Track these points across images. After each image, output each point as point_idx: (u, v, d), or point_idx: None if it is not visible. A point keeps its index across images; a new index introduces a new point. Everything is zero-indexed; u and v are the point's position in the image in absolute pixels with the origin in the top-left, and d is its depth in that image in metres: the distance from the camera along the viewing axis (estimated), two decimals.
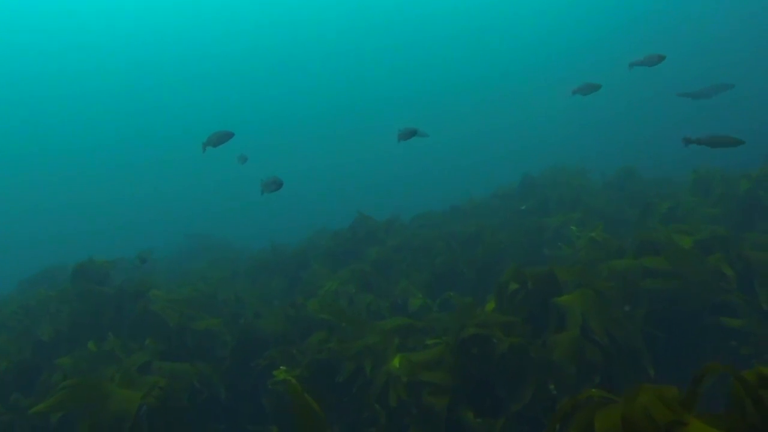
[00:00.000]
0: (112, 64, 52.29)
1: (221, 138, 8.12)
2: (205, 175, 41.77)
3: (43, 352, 7.14)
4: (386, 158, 40.15)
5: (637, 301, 5.26)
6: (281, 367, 5.69)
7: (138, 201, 41.41)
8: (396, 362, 4.97)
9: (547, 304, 4.93)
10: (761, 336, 4.83)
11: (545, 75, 46.05)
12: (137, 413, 5.07)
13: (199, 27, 54.27)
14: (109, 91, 52.69)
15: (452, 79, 52.89)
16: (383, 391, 4.86)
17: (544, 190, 12.53)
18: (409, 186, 32.61)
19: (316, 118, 53.32)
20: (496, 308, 5.26)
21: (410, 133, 7.72)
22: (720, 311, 5.17)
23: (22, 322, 8.57)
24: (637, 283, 5.38)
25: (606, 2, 44.97)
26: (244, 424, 5.91)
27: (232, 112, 53.72)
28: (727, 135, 6.32)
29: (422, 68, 54.82)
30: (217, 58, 55.28)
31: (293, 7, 53.22)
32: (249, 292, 9.28)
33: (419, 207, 14.34)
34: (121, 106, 52.99)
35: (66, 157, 49.77)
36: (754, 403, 2.56)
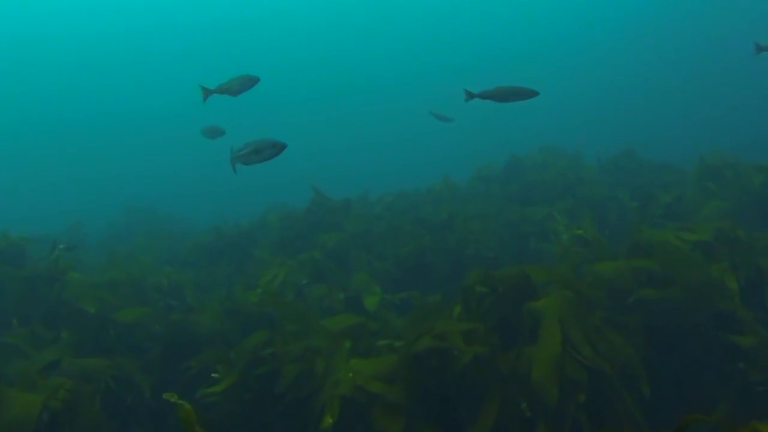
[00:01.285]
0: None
1: (244, 83, 7.67)
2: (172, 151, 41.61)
3: None
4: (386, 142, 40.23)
5: (629, 310, 5.10)
6: (214, 375, 5.52)
7: (77, 172, 40.75)
8: (346, 372, 4.75)
9: (520, 311, 4.75)
10: None
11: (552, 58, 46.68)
12: (38, 421, 4.83)
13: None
14: (54, 62, 52.86)
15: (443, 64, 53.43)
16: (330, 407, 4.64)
17: (531, 173, 12.37)
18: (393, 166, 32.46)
19: (299, 98, 53.56)
20: (462, 314, 5.08)
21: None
22: (727, 326, 5.00)
23: None
24: (628, 290, 5.22)
25: None
26: None
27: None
28: None
29: (413, 52, 55.70)
30: (184, 33, 55.74)
31: None
32: (186, 278, 9.00)
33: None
34: (67, 79, 52.92)
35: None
36: None
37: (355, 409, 4.50)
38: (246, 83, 7.57)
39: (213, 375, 5.51)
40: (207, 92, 7.62)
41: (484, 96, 6.46)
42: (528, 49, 50.84)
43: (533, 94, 6.40)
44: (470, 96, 6.50)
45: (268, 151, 6.25)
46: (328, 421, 4.39)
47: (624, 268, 5.48)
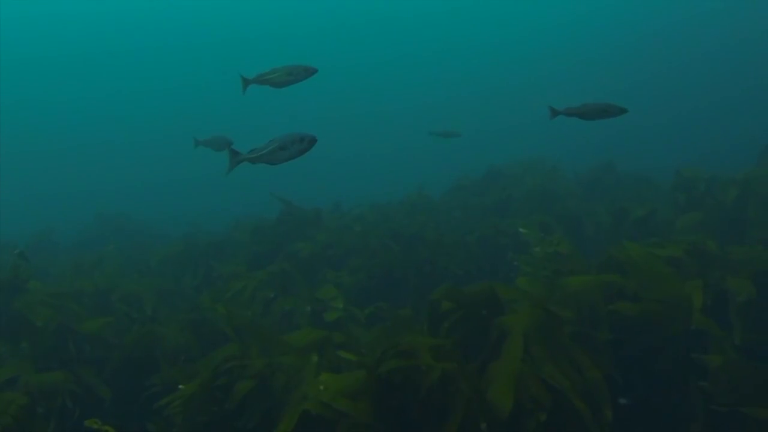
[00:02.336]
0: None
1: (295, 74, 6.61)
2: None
3: None
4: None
5: (598, 325, 5.06)
6: (180, 386, 5.40)
7: (54, 177, 40.37)
8: (314, 387, 4.65)
9: (487, 327, 4.69)
10: (739, 378, 4.61)
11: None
12: None
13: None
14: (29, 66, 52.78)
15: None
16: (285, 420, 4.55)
17: (509, 185, 12.37)
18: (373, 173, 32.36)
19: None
20: (429, 329, 5.02)
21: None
22: (696, 343, 4.96)
23: None
24: (598, 305, 5.18)
25: None
26: None
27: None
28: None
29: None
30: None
31: None
32: (153, 289, 8.88)
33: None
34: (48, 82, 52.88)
35: None
36: None
37: (320, 426, 4.41)
38: (297, 74, 6.62)
39: (179, 386, 5.39)
40: (246, 82, 6.82)
41: (570, 113, 6.24)
42: (511, 57, 51.02)
43: (622, 111, 6.18)
44: (555, 113, 6.29)
45: (295, 146, 5.69)
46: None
47: (594, 283, 5.43)
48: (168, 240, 14.56)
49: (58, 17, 55.13)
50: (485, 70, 50.98)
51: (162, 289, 9.08)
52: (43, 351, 6.35)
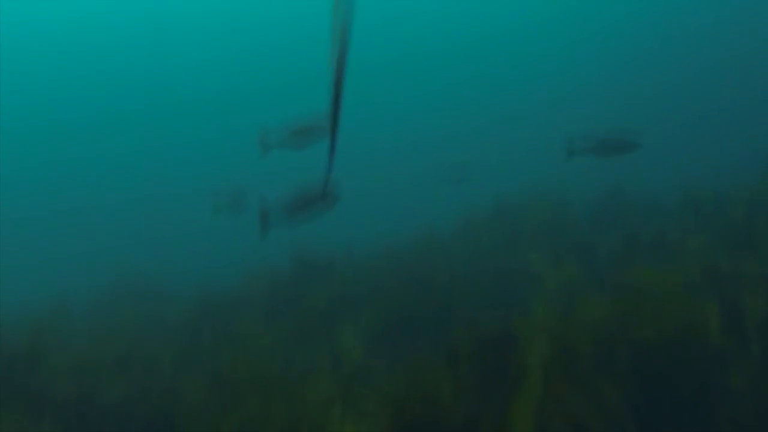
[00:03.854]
0: None
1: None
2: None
3: None
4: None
5: (614, 354, 5.07)
6: None
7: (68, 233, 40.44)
8: None
9: (505, 365, 4.72)
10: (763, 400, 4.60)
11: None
12: None
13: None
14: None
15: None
16: None
17: (518, 219, 12.42)
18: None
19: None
20: (448, 371, 5.04)
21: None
22: (717, 366, 4.96)
23: None
24: (613, 334, 5.19)
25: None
26: None
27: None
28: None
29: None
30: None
31: None
32: (171, 350, 8.92)
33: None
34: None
35: None
36: None
37: None
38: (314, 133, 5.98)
39: None
40: (265, 144, 6.12)
41: (586, 151, 6.23)
42: (511, 82, 50.81)
43: (635, 145, 6.17)
44: (572, 152, 6.29)
45: (317, 204, 5.40)
46: None
47: (610, 311, 5.47)
48: (183, 298, 14.61)
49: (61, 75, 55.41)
50: (486, 93, 50.76)
51: (181, 350, 9.11)
52: (65, 426, 6.38)
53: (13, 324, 9.76)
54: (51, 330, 9.60)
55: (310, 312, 9.00)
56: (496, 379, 4.76)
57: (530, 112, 41.22)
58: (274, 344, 8.02)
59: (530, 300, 7.90)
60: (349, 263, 11.86)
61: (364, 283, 10.02)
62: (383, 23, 54.56)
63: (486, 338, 4.93)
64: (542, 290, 7.62)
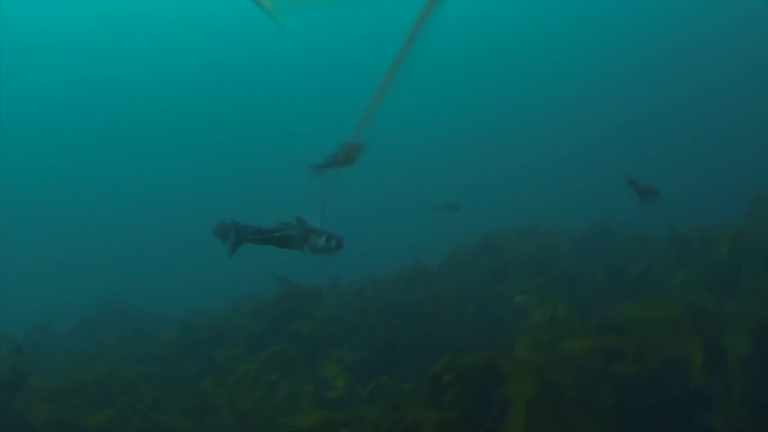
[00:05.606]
0: None
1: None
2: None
3: None
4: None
5: (597, 389, 5.08)
6: None
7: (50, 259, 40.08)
8: None
9: (488, 398, 4.72)
10: None
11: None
12: None
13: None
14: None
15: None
16: None
17: (504, 251, 12.46)
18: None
19: None
20: (431, 403, 5.03)
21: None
22: (699, 403, 4.97)
23: None
24: (597, 369, 5.21)
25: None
26: None
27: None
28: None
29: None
30: None
31: None
32: (154, 376, 8.86)
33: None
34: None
35: None
36: None
37: None
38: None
39: None
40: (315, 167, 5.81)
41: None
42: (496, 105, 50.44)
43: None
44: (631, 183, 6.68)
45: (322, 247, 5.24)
46: None
47: (593, 346, 5.47)
48: (167, 324, 14.53)
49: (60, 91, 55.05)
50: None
51: (163, 377, 9.05)
52: None
53: None
54: (33, 352, 9.56)
55: (294, 339, 8.97)
56: (479, 411, 4.76)
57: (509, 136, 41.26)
58: (256, 370, 7.97)
59: (514, 331, 7.92)
60: (334, 291, 11.86)
61: (349, 311, 10.02)
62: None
63: (470, 370, 4.93)
64: (526, 322, 7.62)
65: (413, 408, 4.97)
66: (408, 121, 50.41)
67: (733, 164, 24.47)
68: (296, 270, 11.29)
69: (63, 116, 54.47)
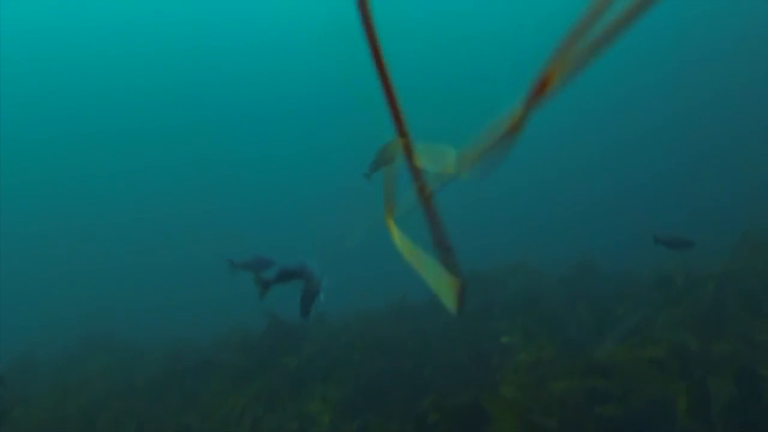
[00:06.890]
0: None
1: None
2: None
3: None
4: None
5: (582, 430, 5.09)
6: None
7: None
8: None
9: None
10: None
11: None
12: None
13: None
14: None
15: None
16: None
17: (491, 290, 12.48)
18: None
19: None
20: None
21: None
22: None
23: None
24: (582, 410, 5.23)
25: None
26: None
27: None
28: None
29: None
30: None
31: None
32: (139, 411, 8.80)
33: None
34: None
35: None
36: None
37: None
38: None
39: None
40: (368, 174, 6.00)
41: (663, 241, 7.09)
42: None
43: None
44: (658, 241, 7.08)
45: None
46: None
47: (578, 387, 5.50)
48: (153, 356, 14.39)
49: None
50: None
51: (148, 411, 8.98)
52: None
53: None
54: (16, 382, 9.47)
55: (280, 374, 8.93)
56: None
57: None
58: (242, 406, 7.93)
59: (500, 371, 7.92)
60: (321, 327, 11.82)
61: (336, 346, 9.99)
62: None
63: (456, 409, 4.94)
64: (512, 362, 7.64)
65: None
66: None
67: (717, 200, 24.58)
68: (284, 303, 11.29)
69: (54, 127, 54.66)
